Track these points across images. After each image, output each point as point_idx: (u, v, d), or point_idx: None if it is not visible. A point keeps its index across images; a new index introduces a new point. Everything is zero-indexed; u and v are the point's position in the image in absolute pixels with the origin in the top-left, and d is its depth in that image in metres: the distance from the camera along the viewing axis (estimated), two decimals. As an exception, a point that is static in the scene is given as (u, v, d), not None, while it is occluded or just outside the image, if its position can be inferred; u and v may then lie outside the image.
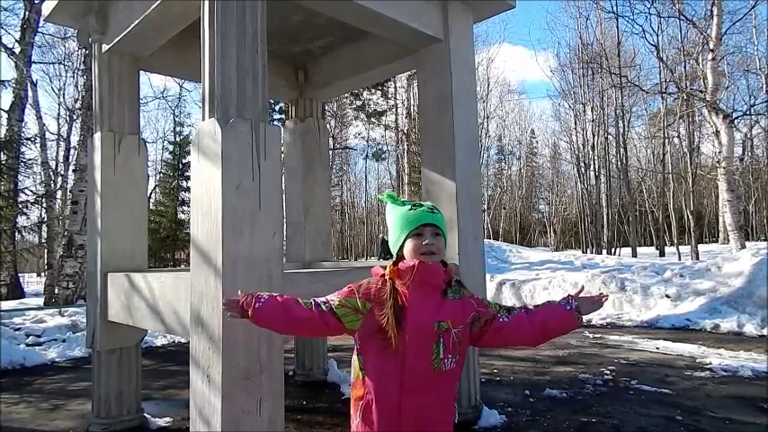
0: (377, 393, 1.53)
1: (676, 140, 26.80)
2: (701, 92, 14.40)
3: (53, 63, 21.19)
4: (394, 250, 1.64)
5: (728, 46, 18.79)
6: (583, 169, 29.20)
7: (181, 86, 23.03)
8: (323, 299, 1.66)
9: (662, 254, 24.31)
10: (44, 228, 14.58)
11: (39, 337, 7.27)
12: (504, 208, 39.98)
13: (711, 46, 13.42)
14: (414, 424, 1.50)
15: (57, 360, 6.43)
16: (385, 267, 1.63)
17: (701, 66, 16.53)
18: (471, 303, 1.62)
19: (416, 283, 1.55)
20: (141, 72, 4.11)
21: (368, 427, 1.54)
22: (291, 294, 2.62)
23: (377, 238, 29.96)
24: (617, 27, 23.72)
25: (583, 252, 26.13)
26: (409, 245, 1.59)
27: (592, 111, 27.46)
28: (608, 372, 5.11)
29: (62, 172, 19.83)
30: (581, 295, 1.64)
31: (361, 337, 1.60)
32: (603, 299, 1.65)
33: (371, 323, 1.55)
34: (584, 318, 1.64)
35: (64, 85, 23.88)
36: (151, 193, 20.39)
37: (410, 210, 1.62)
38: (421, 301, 1.54)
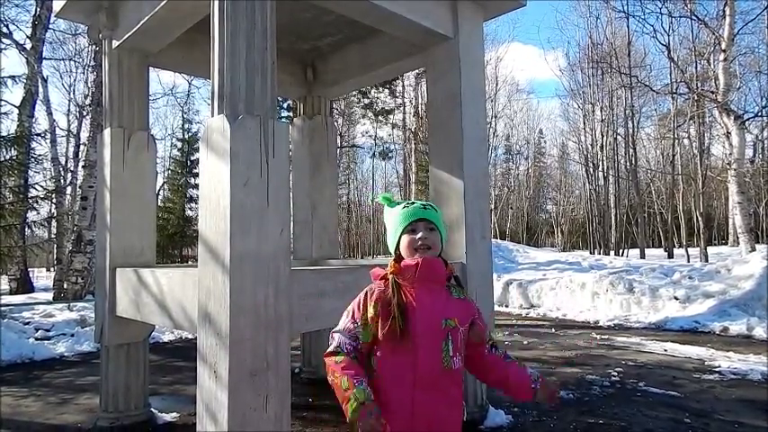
0: (390, 393, 1.51)
1: (686, 141, 26.58)
2: (713, 93, 14.26)
3: (64, 59, 21.32)
4: (392, 249, 1.67)
5: (740, 46, 18.55)
6: (591, 170, 29.02)
7: (190, 83, 23.18)
8: (350, 342, 1.55)
9: (670, 256, 24.15)
10: (54, 223, 14.66)
11: (48, 331, 7.34)
12: (512, 208, 39.84)
13: (723, 46, 13.28)
14: (426, 423, 1.50)
15: (65, 354, 6.49)
16: (384, 267, 1.65)
17: (712, 66, 16.39)
18: (472, 308, 1.65)
19: (421, 281, 1.56)
20: (151, 69, 4.12)
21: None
22: (298, 291, 2.65)
23: (382, 236, 29.93)
24: (627, 26, 23.54)
25: (590, 253, 25.97)
26: (404, 241, 1.62)
27: (601, 111, 27.27)
28: (615, 373, 5.07)
29: (72, 168, 19.97)
30: (547, 386, 1.63)
31: (374, 339, 1.58)
32: (557, 399, 1.66)
33: (380, 323, 1.55)
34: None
35: (74, 81, 24.03)
36: (159, 190, 20.51)
37: (403, 208, 1.66)
38: (427, 299, 1.55)
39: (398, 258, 1.63)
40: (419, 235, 1.59)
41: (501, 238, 25.63)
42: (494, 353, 1.66)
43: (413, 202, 1.68)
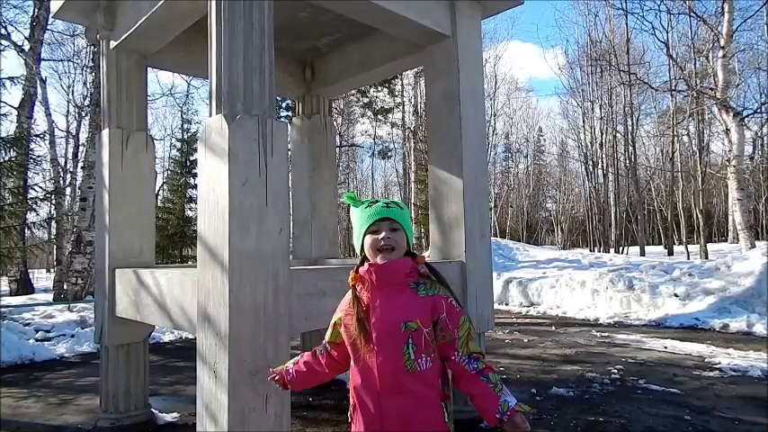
0: (358, 398, 1.55)
1: (686, 139, 26.59)
2: (712, 89, 14.25)
3: (62, 60, 21.30)
4: (358, 251, 1.62)
5: (739, 43, 18.54)
6: (591, 167, 29.02)
7: (188, 83, 23.11)
8: (326, 339, 1.74)
9: (670, 253, 24.15)
10: (53, 224, 14.66)
11: (48, 332, 7.33)
12: (512, 206, 39.82)
13: (722, 43, 13.26)
14: (398, 426, 1.48)
15: (65, 355, 6.49)
16: None
17: (711, 63, 16.38)
18: (440, 304, 1.53)
19: (377, 286, 1.53)
20: (149, 69, 4.11)
21: (357, 429, 1.57)
22: (298, 291, 2.65)
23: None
24: (626, 24, 23.51)
25: (590, 251, 25.99)
26: (367, 242, 1.57)
27: (600, 108, 27.27)
28: (615, 371, 5.08)
29: (71, 169, 19.98)
30: (516, 423, 1.40)
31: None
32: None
33: (347, 332, 1.59)
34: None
35: (73, 82, 24.10)
36: (159, 190, 20.50)
37: (366, 207, 1.60)
38: (384, 304, 1.52)
39: (364, 260, 1.60)
40: (381, 235, 1.54)
41: (501, 237, 25.66)
42: (463, 364, 1.51)
43: (376, 201, 1.62)
